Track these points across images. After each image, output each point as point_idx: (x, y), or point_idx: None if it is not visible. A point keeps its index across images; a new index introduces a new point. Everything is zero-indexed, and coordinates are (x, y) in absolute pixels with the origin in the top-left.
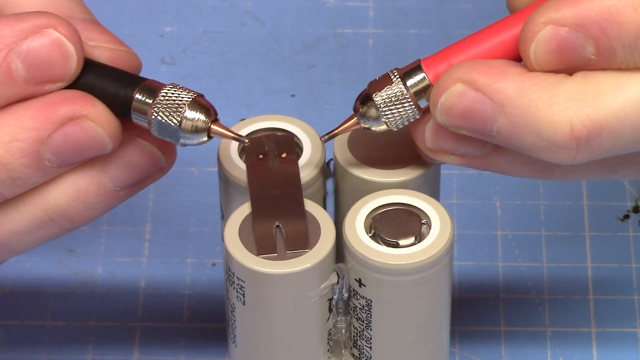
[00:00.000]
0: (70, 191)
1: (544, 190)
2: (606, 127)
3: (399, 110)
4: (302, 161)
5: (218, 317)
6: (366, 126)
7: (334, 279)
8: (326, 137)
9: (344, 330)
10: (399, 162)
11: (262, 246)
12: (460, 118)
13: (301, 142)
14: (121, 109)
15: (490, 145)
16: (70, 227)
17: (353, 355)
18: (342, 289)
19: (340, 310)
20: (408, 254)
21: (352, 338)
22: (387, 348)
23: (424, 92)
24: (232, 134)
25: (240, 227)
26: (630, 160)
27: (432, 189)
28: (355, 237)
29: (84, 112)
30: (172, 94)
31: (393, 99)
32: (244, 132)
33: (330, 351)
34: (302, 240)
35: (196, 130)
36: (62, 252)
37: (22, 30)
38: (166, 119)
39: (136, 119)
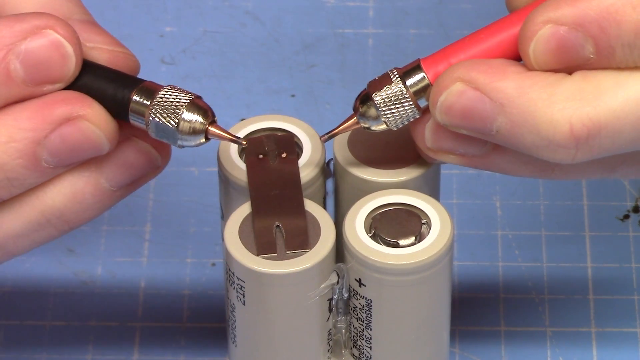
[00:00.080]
0: (66, 192)
1: (544, 190)
2: (605, 126)
3: (399, 109)
4: (302, 161)
5: (218, 317)
6: (366, 126)
7: (334, 279)
8: (326, 136)
9: (344, 330)
10: (399, 162)
11: (262, 246)
12: (460, 117)
13: (301, 142)
14: (119, 110)
15: (490, 145)
16: (67, 229)
17: (353, 355)
18: (342, 289)
19: (340, 310)
20: (408, 254)
21: (352, 338)
22: (387, 348)
23: (423, 91)
24: (229, 136)
25: (240, 227)
26: (630, 160)
27: (432, 189)
28: (355, 237)
29: (81, 112)
30: (170, 95)
31: (393, 98)
32: (244, 132)
33: (330, 351)
34: (302, 240)
35: (194, 132)
36: (62, 252)
37: (21, 30)
38: (164, 120)
39: (134, 120)
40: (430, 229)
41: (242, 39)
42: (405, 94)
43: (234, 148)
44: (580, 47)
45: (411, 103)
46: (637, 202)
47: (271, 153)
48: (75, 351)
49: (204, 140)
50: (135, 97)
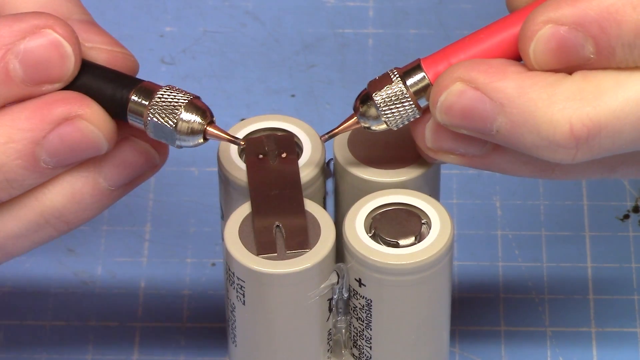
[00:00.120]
0: (65, 192)
1: (544, 190)
2: (606, 126)
3: (399, 109)
4: (302, 161)
5: (218, 317)
6: (366, 125)
7: (334, 278)
8: (326, 136)
9: (344, 330)
10: (399, 162)
11: (262, 246)
12: (460, 117)
13: (301, 142)
14: (117, 110)
15: (490, 145)
16: (66, 229)
17: (353, 355)
18: (342, 288)
19: (340, 310)
20: (408, 253)
21: (352, 338)
22: (387, 348)
23: (423, 91)
24: (227, 136)
25: (240, 227)
26: (630, 160)
27: (432, 189)
28: (355, 237)
29: (80, 112)
30: (169, 95)
31: (393, 98)
32: (244, 132)
33: (330, 351)
34: (302, 240)
35: (192, 132)
36: (62, 252)
37: (20, 30)
38: (162, 120)
39: (132, 120)
40: (430, 229)
41: (242, 39)
42: (406, 93)
43: (234, 148)
44: (580, 47)
45: (411, 103)
46: (637, 202)
47: (271, 153)
48: (75, 351)
49: (202, 140)
50: (134, 97)
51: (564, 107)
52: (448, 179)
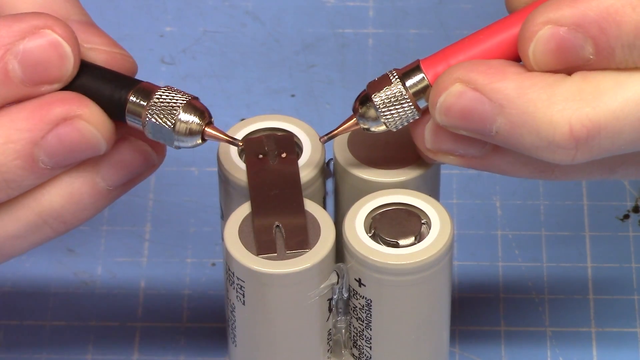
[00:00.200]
0: (63, 193)
1: (544, 190)
2: (605, 127)
3: (398, 110)
4: (302, 161)
5: (218, 317)
6: (365, 127)
7: (333, 278)
8: (325, 137)
9: (343, 330)
10: (399, 162)
11: (262, 246)
12: (459, 118)
13: (301, 142)
14: (116, 110)
15: (489, 146)
16: (64, 230)
17: (353, 355)
18: (342, 288)
19: (340, 310)
20: (408, 253)
21: (352, 338)
22: (387, 348)
23: (423, 92)
24: (226, 137)
25: (240, 227)
26: (630, 160)
27: (432, 189)
28: (355, 237)
29: (78, 112)
30: (167, 96)
31: (392, 99)
32: (244, 132)
33: (330, 351)
34: (302, 240)
35: (190, 133)
36: (62, 252)
37: (19, 30)
38: (160, 121)
39: (130, 121)
40: (430, 229)
41: (242, 39)
42: (405, 94)
43: (234, 148)
44: (580, 47)
45: (410, 104)
46: (637, 202)
47: (271, 153)
48: (75, 351)
49: (200, 141)
50: (132, 98)
51: (563, 107)
52: (448, 179)
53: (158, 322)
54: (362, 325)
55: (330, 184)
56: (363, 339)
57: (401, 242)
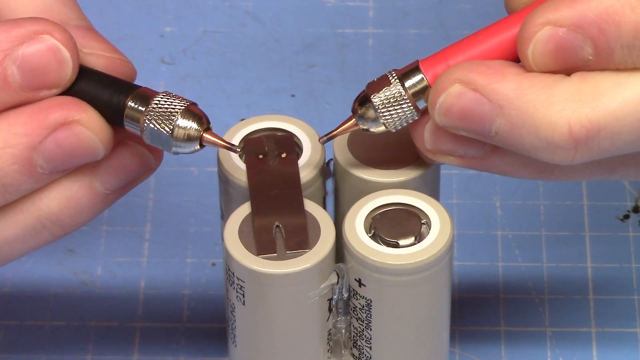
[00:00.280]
0: (61, 196)
1: (544, 190)
2: (604, 127)
3: (397, 111)
4: (301, 161)
5: (218, 317)
6: (365, 127)
7: (333, 279)
8: (324, 138)
9: (343, 330)
10: (399, 162)
11: (262, 246)
12: (459, 119)
13: (301, 142)
14: (114, 116)
15: (489, 146)
16: (62, 234)
17: (353, 355)
18: (342, 289)
19: (340, 310)
20: (408, 254)
21: (352, 338)
22: (387, 348)
23: (422, 93)
24: (224, 143)
25: (240, 227)
26: (630, 161)
27: (432, 189)
28: (355, 237)
29: (76, 117)
30: (165, 102)
31: (391, 100)
32: (244, 132)
33: (330, 351)
34: (302, 240)
35: (188, 139)
36: (62, 252)
37: (18, 35)
38: (158, 126)
39: (129, 126)
40: (430, 229)
41: (242, 39)
42: (404, 95)
43: None
44: (579, 48)
45: (410, 105)
46: (637, 202)
47: (271, 153)
48: (75, 351)
49: (198, 147)
50: (131, 103)
51: (562, 108)
52: (448, 179)
53: (158, 322)
54: (362, 325)
55: (330, 184)
56: (363, 339)
57: (401, 242)
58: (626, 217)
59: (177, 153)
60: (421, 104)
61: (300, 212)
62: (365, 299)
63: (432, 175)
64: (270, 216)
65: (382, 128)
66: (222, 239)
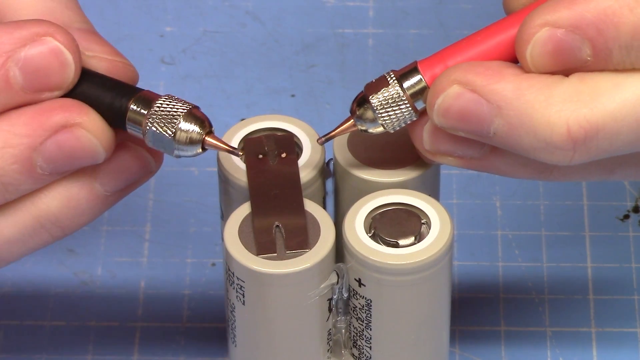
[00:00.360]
0: (61, 197)
1: (544, 190)
2: (603, 128)
3: (396, 112)
4: (301, 161)
5: (218, 317)
6: (363, 128)
7: (333, 278)
8: (323, 139)
9: (343, 330)
10: (399, 162)
11: (262, 246)
12: (457, 120)
13: (301, 142)
14: (116, 119)
15: (488, 147)
16: (61, 235)
17: (353, 355)
18: (342, 288)
19: (340, 310)
20: (408, 253)
21: (352, 338)
22: (386, 348)
23: (420, 93)
24: (226, 147)
25: (240, 227)
26: (629, 161)
27: (432, 189)
28: (355, 237)
29: (78, 120)
30: (167, 105)
31: (390, 100)
32: (244, 132)
33: (330, 351)
34: (301, 240)
35: (190, 142)
36: (62, 252)
37: (21, 37)
38: (161, 130)
39: (131, 129)
40: (430, 229)
41: (242, 39)
42: (402, 96)
43: None
44: (577, 49)
45: (408, 105)
46: (637, 202)
47: (271, 153)
48: (75, 351)
49: (200, 150)
50: (133, 106)
51: (561, 109)
52: (448, 179)
53: (158, 322)
54: (362, 325)
55: (330, 184)
56: (363, 339)
57: (401, 242)
58: (626, 217)
59: (179, 156)
60: (419, 105)
61: (300, 212)
62: (365, 299)
63: (432, 175)
64: (270, 216)
65: (381, 129)
66: (222, 239)
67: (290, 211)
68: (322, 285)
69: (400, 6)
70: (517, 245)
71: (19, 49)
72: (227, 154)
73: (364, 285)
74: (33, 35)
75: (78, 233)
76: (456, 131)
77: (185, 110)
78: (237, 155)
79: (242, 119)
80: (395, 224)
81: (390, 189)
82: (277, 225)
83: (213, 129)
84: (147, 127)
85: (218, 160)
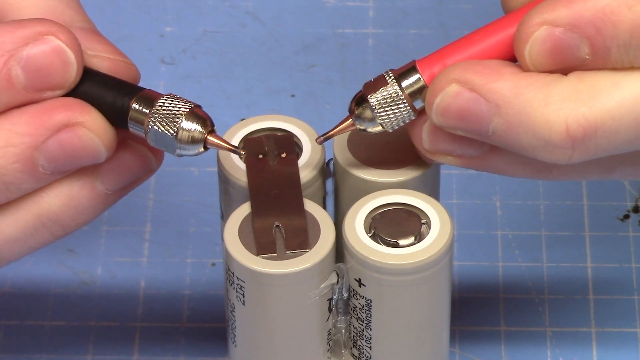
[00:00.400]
0: (62, 196)
1: (544, 190)
2: (602, 126)
3: (394, 111)
4: (301, 161)
5: (218, 317)
6: (362, 127)
7: (333, 278)
8: (322, 138)
9: (343, 330)
10: (399, 162)
11: (262, 246)
12: (456, 119)
13: (301, 142)
14: (118, 118)
15: (487, 146)
16: (62, 234)
17: (353, 355)
18: (342, 288)
19: (340, 310)
20: (407, 253)
21: (352, 338)
22: (387, 348)
23: (419, 93)
24: (228, 146)
25: (240, 227)
26: (628, 160)
27: (432, 189)
28: (355, 237)
29: (80, 119)
30: (169, 104)
31: (388, 100)
32: (244, 132)
33: (330, 351)
34: (302, 240)
35: (192, 141)
36: (62, 252)
37: (23, 36)
38: (162, 129)
39: (133, 128)
40: (430, 229)
41: (242, 39)
42: (401, 95)
43: None
44: (575, 48)
45: (407, 104)
46: (637, 202)
47: (271, 153)
48: (75, 351)
49: (202, 149)
50: (135, 105)
51: (559, 107)
52: (448, 179)
53: (158, 322)
54: (362, 325)
55: (330, 184)
56: (363, 339)
57: (401, 242)
58: (626, 217)
59: (181, 155)
60: (418, 104)
61: (300, 212)
62: (365, 299)
63: (432, 175)
64: (270, 216)
65: (379, 128)
66: (222, 239)
67: (290, 211)
68: (322, 285)
69: (400, 6)
70: (517, 245)
71: (21, 48)
72: (227, 153)
73: (364, 285)
74: (35, 34)
75: (78, 233)
76: (455, 130)
77: (188, 109)
78: (238, 154)
79: (242, 119)
80: (395, 224)
81: (390, 189)
82: (277, 225)
83: (215, 128)
84: (149, 126)
85: (218, 160)
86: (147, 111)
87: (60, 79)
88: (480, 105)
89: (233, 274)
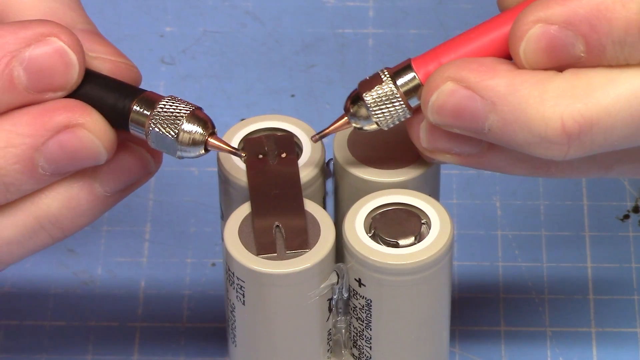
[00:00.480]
0: (61, 198)
1: (544, 190)
2: (597, 122)
3: (389, 109)
4: (301, 161)
5: (218, 317)
6: (357, 126)
7: (333, 278)
8: (317, 136)
9: (343, 330)
10: (399, 162)
11: (262, 246)
12: (452, 116)
13: (301, 142)
14: (119, 119)
15: (485, 144)
16: (60, 236)
17: (353, 355)
18: (342, 288)
19: (340, 310)
20: (408, 253)
21: (352, 338)
22: (387, 348)
23: (414, 91)
24: (229, 148)
25: (240, 227)
26: (626, 158)
27: (432, 189)
28: (355, 237)
29: (80, 120)
30: (170, 106)
31: (383, 98)
32: (244, 132)
33: (330, 351)
34: (301, 240)
35: (193, 143)
36: (62, 252)
37: (25, 37)
38: (163, 131)
39: (134, 130)
40: (430, 229)
41: (242, 39)
42: (396, 93)
43: None
44: (570, 45)
45: (402, 103)
46: (637, 202)
47: (271, 153)
48: (75, 351)
49: (203, 151)
50: (136, 107)
51: (555, 104)
52: (448, 179)
53: (158, 322)
54: (362, 325)
55: (330, 184)
56: (363, 339)
57: (401, 242)
58: (626, 217)
59: (181, 157)
60: (413, 102)
61: (300, 212)
62: (365, 299)
63: (432, 175)
64: (270, 216)
65: (375, 126)
66: (222, 239)
67: (290, 211)
68: (322, 285)
69: (400, 6)
70: (517, 245)
71: (23, 49)
72: (227, 154)
73: (364, 285)
74: (38, 35)
75: (78, 233)
76: (451, 128)
77: (188, 112)
78: (239, 156)
79: (242, 119)
80: (395, 224)
81: (390, 189)
82: (277, 225)
83: (216, 130)
84: (150, 128)
85: (218, 160)
86: (148, 113)
87: (62, 80)
88: (476, 102)
89: (233, 274)
